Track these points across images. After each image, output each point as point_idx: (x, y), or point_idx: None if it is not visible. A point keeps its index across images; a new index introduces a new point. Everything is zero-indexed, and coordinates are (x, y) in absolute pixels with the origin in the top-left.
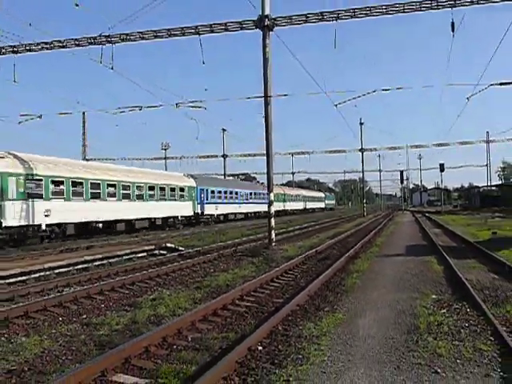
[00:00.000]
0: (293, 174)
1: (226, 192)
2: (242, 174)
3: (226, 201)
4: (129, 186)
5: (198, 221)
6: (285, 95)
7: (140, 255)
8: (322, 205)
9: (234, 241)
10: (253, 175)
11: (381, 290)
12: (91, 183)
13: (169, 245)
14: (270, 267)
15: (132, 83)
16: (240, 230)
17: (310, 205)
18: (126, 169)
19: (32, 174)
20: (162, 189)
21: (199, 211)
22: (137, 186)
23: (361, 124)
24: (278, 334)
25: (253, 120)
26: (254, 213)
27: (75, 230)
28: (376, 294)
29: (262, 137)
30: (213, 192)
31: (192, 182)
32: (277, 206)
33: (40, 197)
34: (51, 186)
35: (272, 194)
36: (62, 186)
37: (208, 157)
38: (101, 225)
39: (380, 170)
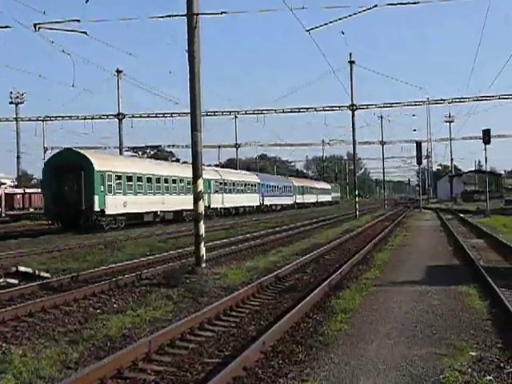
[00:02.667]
0: (237, 147)
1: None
2: (151, 148)
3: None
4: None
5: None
6: (221, 13)
7: None
8: (328, 197)
9: (139, 259)
10: (168, 149)
11: (383, 342)
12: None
13: (22, 269)
14: (197, 304)
15: None
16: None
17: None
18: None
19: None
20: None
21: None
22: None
23: (351, 64)
24: None
25: (171, 59)
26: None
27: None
28: (375, 348)
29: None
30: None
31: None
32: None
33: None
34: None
35: (200, 182)
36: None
37: (93, 118)
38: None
39: (383, 143)
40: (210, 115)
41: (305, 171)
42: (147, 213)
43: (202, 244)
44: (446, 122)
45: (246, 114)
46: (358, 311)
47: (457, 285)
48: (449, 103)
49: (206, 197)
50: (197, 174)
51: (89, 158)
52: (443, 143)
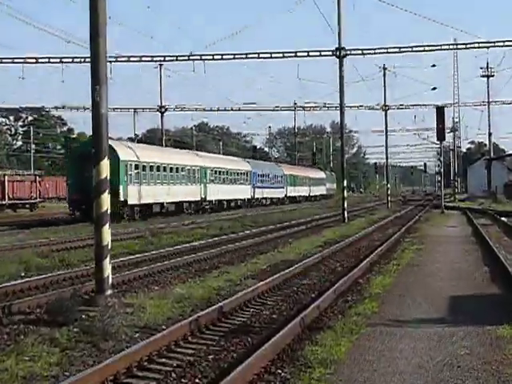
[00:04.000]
0: (162, 111)
1: None
2: (28, 111)
3: None
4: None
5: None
6: None
7: None
8: (322, 189)
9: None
10: (56, 113)
11: None
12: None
13: None
14: (98, 352)
15: None
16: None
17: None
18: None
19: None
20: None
21: None
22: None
23: None
24: None
25: None
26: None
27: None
28: None
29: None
30: None
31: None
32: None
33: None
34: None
35: (104, 164)
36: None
37: None
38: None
39: (386, 108)
40: (123, 61)
41: (266, 149)
42: (155, 203)
43: (107, 260)
44: (483, 76)
45: (176, 59)
46: (343, 365)
47: (496, 325)
48: (486, 48)
49: (200, 187)
50: (100, 151)
51: (113, 146)
52: (477, 110)
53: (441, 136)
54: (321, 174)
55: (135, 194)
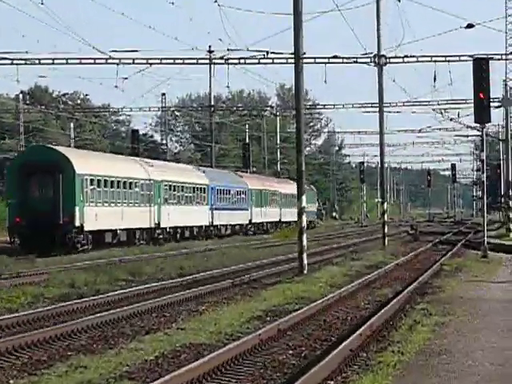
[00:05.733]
0: None
1: None
2: None
3: None
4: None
5: None
6: None
7: None
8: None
9: None
10: None
11: None
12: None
13: None
14: None
15: None
16: None
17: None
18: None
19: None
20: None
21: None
22: None
23: None
24: None
25: None
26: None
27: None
28: None
29: None
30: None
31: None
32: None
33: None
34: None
35: None
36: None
37: None
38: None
39: (380, 60)
40: None
41: (157, 137)
42: (107, 231)
43: None
44: None
45: None
46: None
47: None
48: None
49: (154, 210)
50: None
51: (67, 156)
52: None
53: (482, 115)
54: (295, 189)
55: (92, 217)
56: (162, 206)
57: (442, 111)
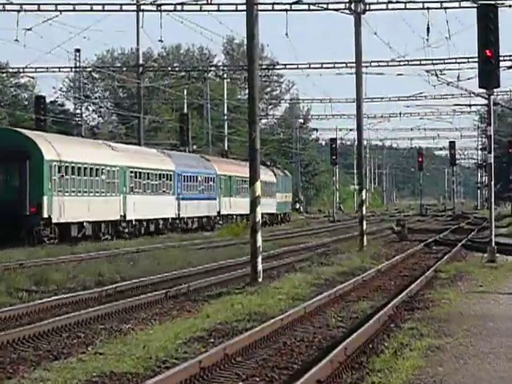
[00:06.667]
0: None
1: None
2: None
3: None
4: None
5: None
6: None
7: None
8: (271, 204)
9: None
10: None
11: None
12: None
13: None
14: None
15: None
16: None
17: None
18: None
19: None
20: None
21: None
22: None
23: None
24: None
25: None
26: None
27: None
28: None
29: None
30: None
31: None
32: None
33: None
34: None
35: None
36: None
37: None
38: None
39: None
40: None
41: (70, 105)
42: (73, 223)
43: None
44: None
45: None
46: None
47: None
48: None
49: (120, 200)
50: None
51: (34, 140)
52: None
53: (489, 77)
54: (269, 176)
55: (59, 208)
56: (127, 195)
57: (437, 73)
